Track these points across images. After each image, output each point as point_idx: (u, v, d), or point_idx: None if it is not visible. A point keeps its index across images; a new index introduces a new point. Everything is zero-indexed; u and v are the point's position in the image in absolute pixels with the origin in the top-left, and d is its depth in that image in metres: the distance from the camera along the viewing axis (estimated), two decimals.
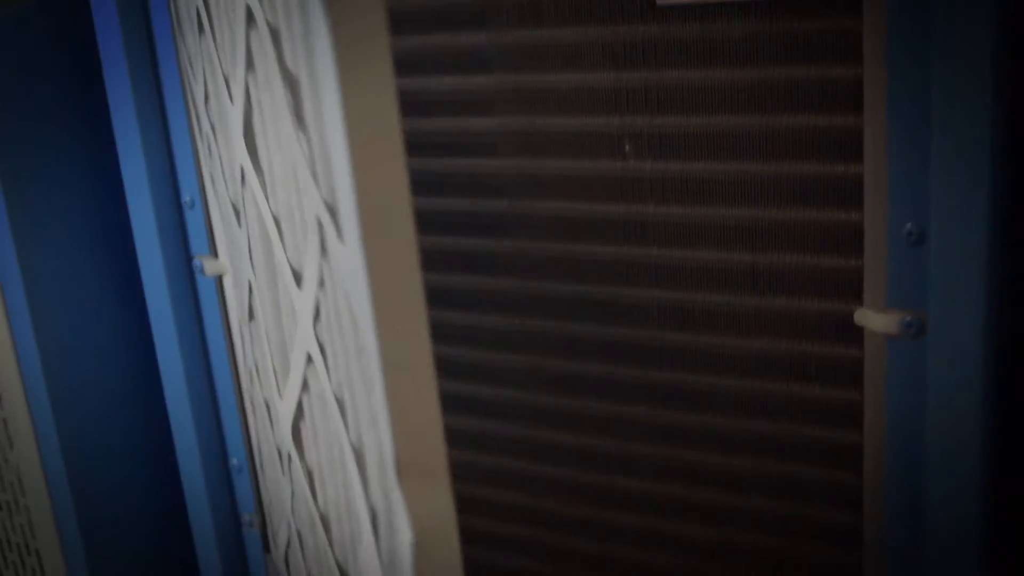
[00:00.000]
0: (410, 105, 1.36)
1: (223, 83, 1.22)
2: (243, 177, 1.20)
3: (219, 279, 1.56)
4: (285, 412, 1.16)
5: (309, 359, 1.11)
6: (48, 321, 1.58)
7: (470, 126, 1.34)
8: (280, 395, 1.24)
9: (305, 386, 1.16)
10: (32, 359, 1.58)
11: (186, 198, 1.55)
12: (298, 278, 1.11)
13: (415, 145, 1.37)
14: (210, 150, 1.38)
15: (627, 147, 1.26)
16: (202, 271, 1.56)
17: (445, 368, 1.46)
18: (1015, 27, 1.02)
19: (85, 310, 1.66)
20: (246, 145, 1.16)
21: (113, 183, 1.59)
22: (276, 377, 1.25)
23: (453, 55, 1.32)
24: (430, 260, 1.42)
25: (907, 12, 1.03)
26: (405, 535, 1.02)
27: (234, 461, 1.67)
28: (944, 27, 1.01)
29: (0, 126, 1.50)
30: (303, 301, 1.10)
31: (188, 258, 1.59)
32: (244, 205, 1.24)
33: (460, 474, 1.49)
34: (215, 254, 1.54)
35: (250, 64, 1.14)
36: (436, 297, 1.43)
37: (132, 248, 1.59)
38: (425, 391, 1.02)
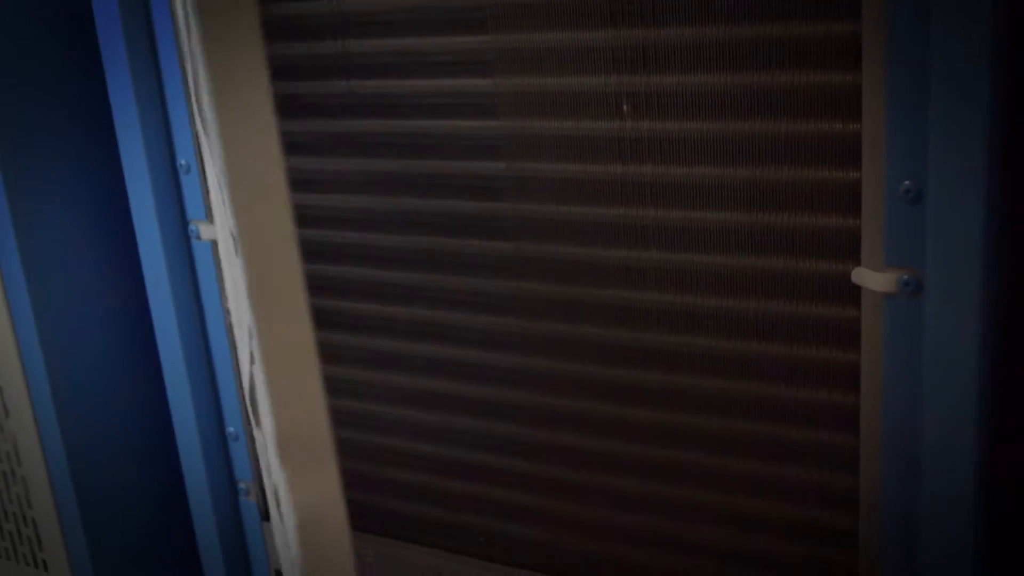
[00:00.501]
0: (415, 66, 1.36)
1: None
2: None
3: (214, 244, 1.55)
4: (243, 385, 1.16)
5: (251, 333, 1.10)
6: (44, 290, 1.57)
7: (469, 87, 1.34)
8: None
9: (252, 360, 1.16)
10: (29, 329, 1.57)
11: (181, 161, 1.54)
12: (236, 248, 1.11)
13: (408, 108, 1.38)
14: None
15: (625, 107, 1.25)
16: (198, 236, 1.56)
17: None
18: None
19: (81, 280, 1.65)
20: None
21: (111, 155, 1.59)
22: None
23: (457, 18, 1.31)
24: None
25: None
26: (290, 517, 1.02)
27: (231, 430, 1.67)
28: None
29: None
30: (238, 272, 1.10)
31: (184, 223, 1.58)
32: None
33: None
34: (211, 219, 1.54)
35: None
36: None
37: (129, 217, 1.58)
38: (309, 374, 1.01)
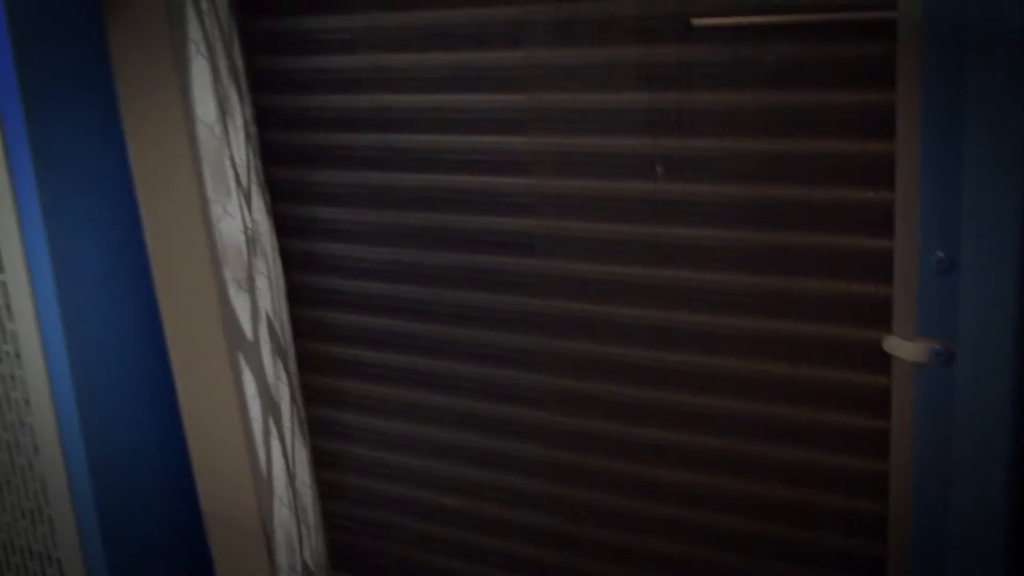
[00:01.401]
0: (423, 122, 1.38)
1: None
2: None
3: None
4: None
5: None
6: (76, 324, 1.57)
7: (504, 144, 1.35)
8: None
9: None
10: (61, 365, 1.58)
11: None
12: None
13: (427, 161, 1.39)
14: None
15: (658, 169, 1.26)
16: None
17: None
18: None
19: (111, 312, 1.65)
20: None
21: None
22: None
23: (486, 72, 1.33)
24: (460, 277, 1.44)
25: (943, 39, 1.03)
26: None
27: None
28: (979, 56, 1.01)
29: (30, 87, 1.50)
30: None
31: None
32: None
33: None
34: None
35: None
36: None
37: None
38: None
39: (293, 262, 1.56)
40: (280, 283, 1.47)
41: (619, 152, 1.28)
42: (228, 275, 0.88)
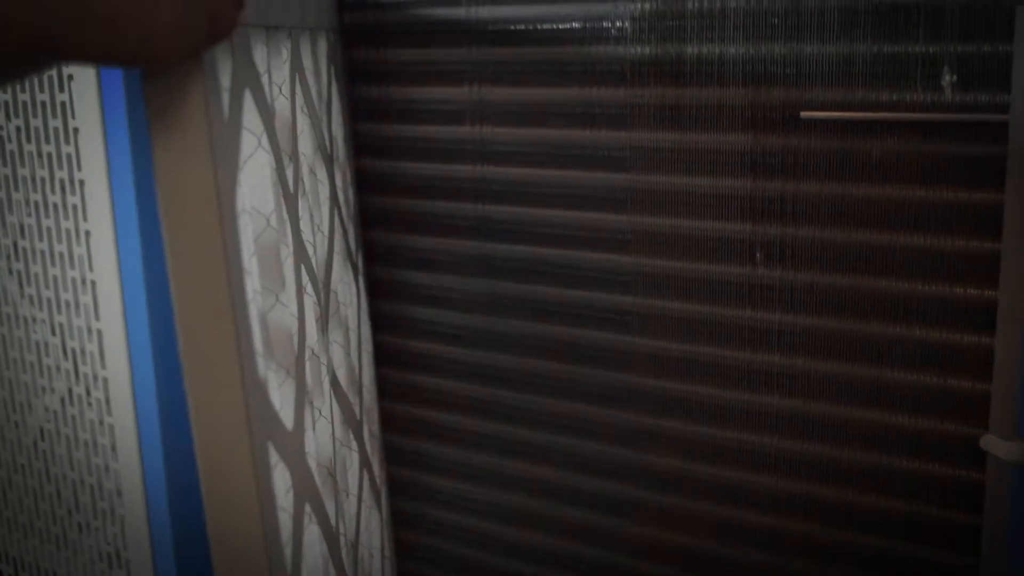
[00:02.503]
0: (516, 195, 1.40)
1: None
2: None
3: None
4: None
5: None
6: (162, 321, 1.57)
7: (604, 222, 1.37)
8: None
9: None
10: (150, 414, 1.60)
11: None
12: None
13: (546, 236, 1.41)
14: None
15: (758, 255, 1.28)
16: None
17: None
18: None
19: None
20: None
21: None
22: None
23: (596, 155, 1.35)
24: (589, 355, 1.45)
25: None
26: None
27: None
28: None
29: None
30: None
31: None
32: None
33: None
34: None
35: None
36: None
37: None
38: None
39: (382, 325, 1.58)
40: (369, 346, 1.48)
41: (718, 235, 1.30)
42: (271, 365, 0.88)
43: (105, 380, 1.47)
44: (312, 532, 0.98)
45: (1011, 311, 1.12)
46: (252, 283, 0.84)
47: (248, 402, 0.78)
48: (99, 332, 1.44)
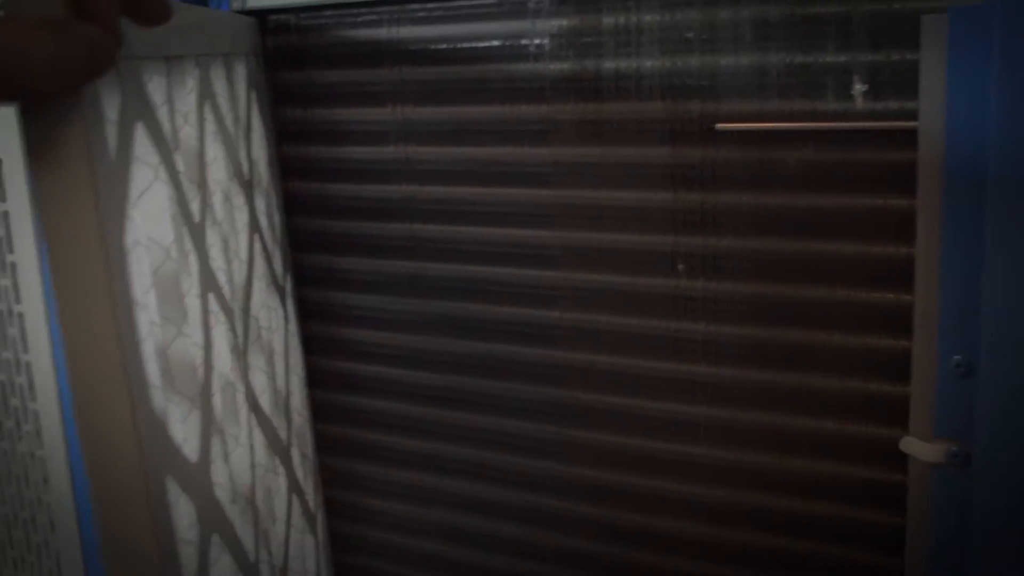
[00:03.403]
0: (471, 215, 1.41)
1: None
2: None
3: None
4: None
5: None
6: None
7: (530, 238, 1.37)
8: None
9: None
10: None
11: None
12: None
13: (458, 252, 1.42)
14: None
15: (681, 267, 1.28)
16: None
17: None
18: None
19: None
20: None
21: None
22: None
23: (520, 172, 1.36)
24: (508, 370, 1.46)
25: (963, 149, 1.06)
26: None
27: None
28: (999, 166, 1.04)
29: None
30: None
31: None
32: None
33: None
34: None
35: None
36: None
37: None
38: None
39: (314, 347, 1.58)
40: (299, 369, 1.48)
41: (642, 248, 1.30)
42: (172, 397, 0.87)
43: (35, 413, 1.46)
44: (224, 563, 0.97)
45: (926, 314, 1.13)
46: (148, 316, 0.83)
47: (141, 438, 0.78)
48: (27, 364, 1.43)
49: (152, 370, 0.82)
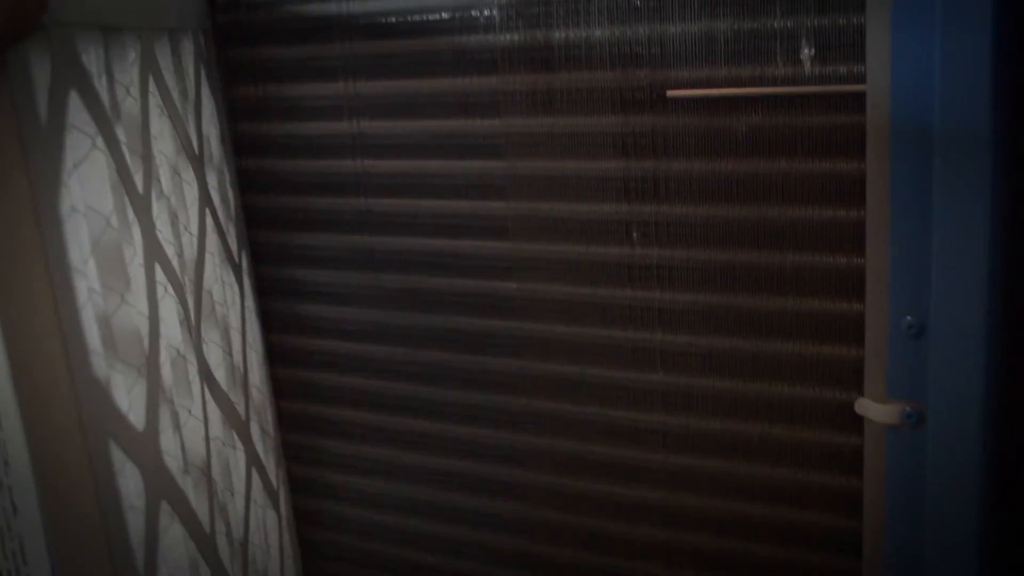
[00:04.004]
0: (429, 188, 1.41)
1: None
2: None
3: None
4: None
5: None
6: None
7: (484, 210, 1.37)
8: None
9: None
10: None
11: None
12: None
13: (428, 226, 1.42)
14: None
15: (634, 234, 1.29)
16: None
17: None
18: (1014, 131, 1.05)
19: None
20: None
21: None
22: None
23: (472, 143, 1.36)
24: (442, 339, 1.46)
25: (909, 111, 1.07)
26: None
27: None
28: (944, 126, 1.05)
29: None
30: None
31: None
32: None
33: None
34: None
35: None
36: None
37: None
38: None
39: (274, 324, 1.57)
40: (258, 345, 1.47)
41: (596, 218, 1.30)
42: (116, 365, 0.87)
43: (4, 465, 1.45)
44: (175, 532, 0.97)
45: (878, 276, 1.13)
46: (88, 283, 0.83)
47: (80, 401, 0.77)
48: None
49: (93, 336, 0.82)
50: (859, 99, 1.12)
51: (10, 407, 1.31)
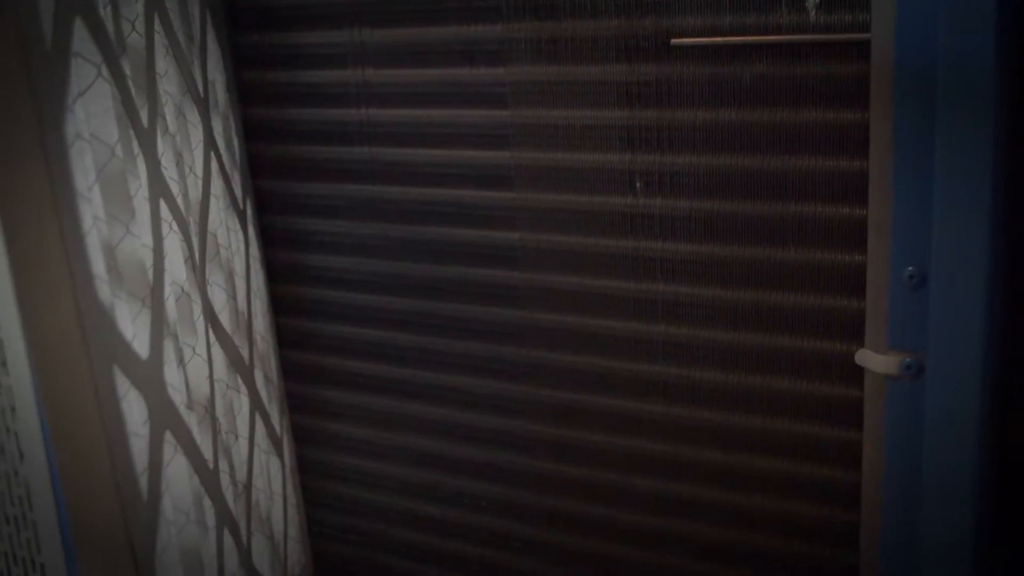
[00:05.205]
0: (425, 136, 1.41)
1: None
2: None
3: None
4: None
5: None
6: None
7: (488, 159, 1.38)
8: None
9: None
10: None
11: None
12: None
13: (429, 175, 1.42)
14: None
15: (638, 184, 1.29)
16: None
17: None
18: (1018, 76, 1.05)
19: None
20: None
21: None
22: None
23: (477, 92, 1.36)
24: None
25: (913, 61, 1.06)
26: None
27: None
28: (948, 77, 1.05)
29: None
30: None
31: None
32: None
33: None
34: None
35: None
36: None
37: None
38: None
39: (279, 273, 1.58)
40: (263, 294, 1.48)
41: (599, 167, 1.31)
42: (120, 293, 0.88)
43: (9, 388, 1.46)
44: (179, 463, 0.98)
45: (879, 226, 1.13)
46: (93, 210, 0.84)
47: (85, 324, 0.78)
48: None
49: (98, 263, 0.82)
50: (863, 48, 1.12)
51: (15, 330, 1.31)
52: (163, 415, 0.96)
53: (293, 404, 1.64)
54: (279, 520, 1.44)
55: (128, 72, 0.94)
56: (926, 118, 1.07)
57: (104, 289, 0.85)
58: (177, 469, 0.98)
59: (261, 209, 1.55)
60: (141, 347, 0.92)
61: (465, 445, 1.52)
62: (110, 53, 0.89)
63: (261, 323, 1.43)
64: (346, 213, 1.50)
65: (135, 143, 0.94)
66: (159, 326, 0.96)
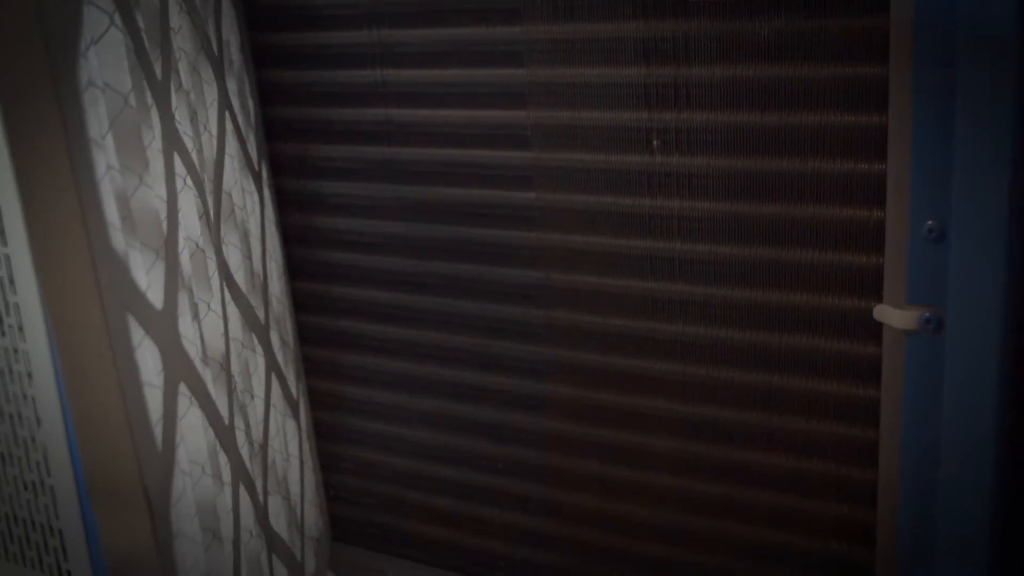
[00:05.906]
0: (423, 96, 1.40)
1: None
2: None
3: None
4: None
5: None
6: None
7: (504, 119, 1.37)
8: None
9: None
10: None
11: None
12: None
13: (416, 135, 1.41)
14: None
15: (655, 142, 1.28)
16: None
17: None
18: None
19: None
20: None
21: None
22: None
23: (493, 51, 1.35)
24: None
25: (934, 13, 1.05)
26: None
27: None
28: (969, 30, 1.03)
29: None
30: None
31: None
32: None
33: None
34: None
35: None
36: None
37: None
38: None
39: (294, 236, 1.58)
40: (278, 256, 1.48)
41: (616, 125, 1.30)
42: (133, 243, 0.87)
43: (16, 307, 1.46)
44: (193, 416, 0.98)
45: (899, 180, 1.12)
46: (107, 159, 0.83)
47: (99, 270, 0.78)
48: (7, 258, 1.43)
49: (111, 211, 0.82)
50: (883, 1, 1.10)
51: (27, 271, 1.30)
52: (178, 367, 0.96)
53: (309, 368, 1.64)
54: (295, 482, 1.45)
55: (142, 24, 0.94)
56: (946, 71, 1.06)
57: (118, 237, 0.85)
58: (192, 421, 0.98)
59: (276, 172, 1.55)
60: (155, 297, 0.92)
61: (481, 407, 1.52)
62: (123, 3, 0.89)
63: (276, 285, 1.43)
64: (362, 175, 1.49)
65: (148, 94, 0.94)
66: (174, 278, 0.96)
